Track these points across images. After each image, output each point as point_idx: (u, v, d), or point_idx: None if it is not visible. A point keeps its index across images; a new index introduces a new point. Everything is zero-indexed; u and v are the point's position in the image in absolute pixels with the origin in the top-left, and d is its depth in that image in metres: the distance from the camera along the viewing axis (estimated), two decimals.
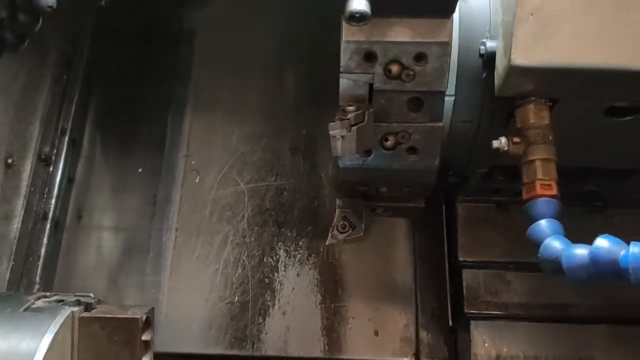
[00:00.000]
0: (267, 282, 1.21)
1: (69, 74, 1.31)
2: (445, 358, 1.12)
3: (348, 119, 0.70)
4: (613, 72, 0.69)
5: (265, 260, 1.23)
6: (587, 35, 0.69)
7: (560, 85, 0.73)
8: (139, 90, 1.35)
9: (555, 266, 0.64)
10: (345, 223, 0.89)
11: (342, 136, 0.70)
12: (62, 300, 0.78)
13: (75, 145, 1.30)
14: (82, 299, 0.79)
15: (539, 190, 0.71)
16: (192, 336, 1.17)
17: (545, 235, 0.67)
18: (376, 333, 1.18)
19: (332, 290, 1.21)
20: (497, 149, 0.74)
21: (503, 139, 0.74)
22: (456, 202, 1.04)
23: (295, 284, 1.21)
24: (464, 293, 1.03)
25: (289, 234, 1.24)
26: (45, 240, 1.21)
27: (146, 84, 1.35)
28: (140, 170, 1.31)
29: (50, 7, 0.74)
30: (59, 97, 1.27)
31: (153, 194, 1.29)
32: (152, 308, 0.80)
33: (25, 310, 0.74)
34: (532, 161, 0.73)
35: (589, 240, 1.01)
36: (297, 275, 1.22)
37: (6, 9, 0.73)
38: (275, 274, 1.22)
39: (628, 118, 0.78)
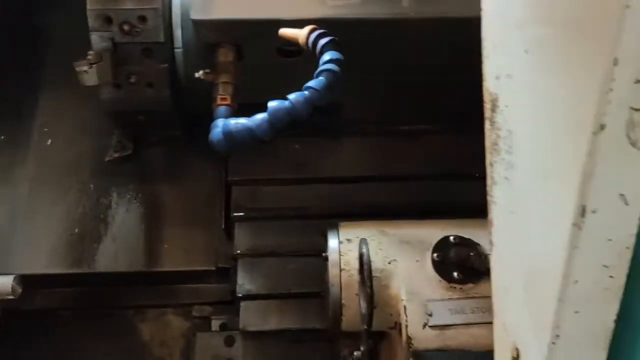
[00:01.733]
0: (102, 217, 1.56)
1: None
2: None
3: (88, 59, 1.08)
4: (257, 22, 1.09)
5: (100, 201, 1.58)
6: None
7: (230, 34, 1.13)
8: (6, 75, 1.72)
9: (211, 144, 1.02)
10: (119, 144, 1.27)
11: (85, 71, 1.08)
12: None
13: None
14: None
15: (218, 101, 1.10)
16: (41, 260, 1.51)
17: (216, 127, 1.06)
18: (186, 250, 1.54)
19: (153, 221, 1.56)
20: (198, 78, 1.13)
21: (201, 71, 1.14)
22: None
23: (124, 218, 1.56)
24: (232, 203, 1.41)
25: (121, 180, 1.59)
26: None
27: (12, 70, 1.71)
28: (2, 137, 1.66)
29: None
30: None
31: (15, 155, 1.64)
32: None
33: None
34: (217, 83, 1.12)
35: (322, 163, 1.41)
36: (127, 210, 1.57)
37: None
38: (109, 211, 1.57)
39: (295, 58, 1.18)
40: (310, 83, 0.95)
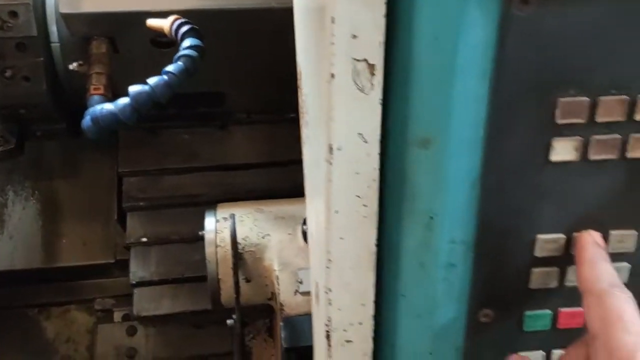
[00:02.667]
0: None
1: None
2: None
3: None
4: (124, 14, 1.16)
5: None
6: None
7: (99, 27, 1.18)
8: None
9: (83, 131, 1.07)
10: (1, 139, 1.30)
11: None
12: None
13: None
14: None
15: (91, 91, 1.15)
16: None
17: (87, 115, 1.11)
18: (84, 244, 1.58)
19: (51, 217, 1.60)
20: (72, 70, 1.18)
21: (75, 63, 1.19)
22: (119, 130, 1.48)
23: (21, 215, 1.59)
24: (123, 194, 1.46)
25: (17, 179, 1.61)
26: None
27: None
28: None
29: None
30: None
31: None
32: None
33: None
34: (91, 74, 1.17)
35: (211, 152, 1.47)
36: (23, 208, 1.59)
37: None
38: (5, 210, 1.59)
39: (171, 49, 1.24)
40: (169, 68, 1.02)
